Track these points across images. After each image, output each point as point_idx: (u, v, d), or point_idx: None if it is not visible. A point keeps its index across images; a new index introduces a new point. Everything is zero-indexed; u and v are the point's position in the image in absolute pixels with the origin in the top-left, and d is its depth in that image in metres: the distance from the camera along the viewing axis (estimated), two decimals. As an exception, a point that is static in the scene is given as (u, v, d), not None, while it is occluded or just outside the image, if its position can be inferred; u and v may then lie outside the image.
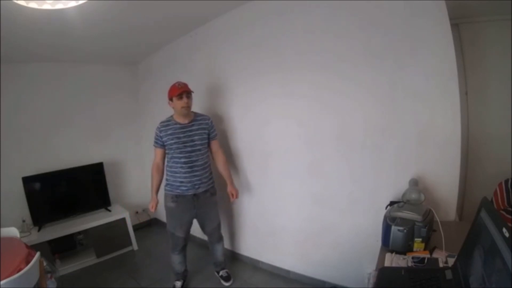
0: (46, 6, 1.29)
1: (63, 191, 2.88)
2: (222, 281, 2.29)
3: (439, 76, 1.47)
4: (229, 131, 2.47)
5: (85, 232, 2.81)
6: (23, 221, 2.60)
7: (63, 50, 2.53)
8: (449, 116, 1.46)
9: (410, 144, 1.60)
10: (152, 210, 2.13)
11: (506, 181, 1.58)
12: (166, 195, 2.13)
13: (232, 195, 2.22)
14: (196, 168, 2.05)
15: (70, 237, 2.75)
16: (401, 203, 1.34)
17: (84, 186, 3.01)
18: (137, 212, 3.49)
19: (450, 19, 1.39)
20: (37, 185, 2.71)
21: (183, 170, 2.03)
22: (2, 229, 1.90)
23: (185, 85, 2.04)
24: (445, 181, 1.52)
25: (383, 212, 1.37)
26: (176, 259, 2.24)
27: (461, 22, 1.87)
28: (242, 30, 2.19)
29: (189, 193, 2.06)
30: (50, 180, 2.78)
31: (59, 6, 1.32)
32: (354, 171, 1.83)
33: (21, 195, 2.60)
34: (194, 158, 2.04)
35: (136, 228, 3.28)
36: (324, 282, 2.10)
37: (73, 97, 3.04)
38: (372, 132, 1.72)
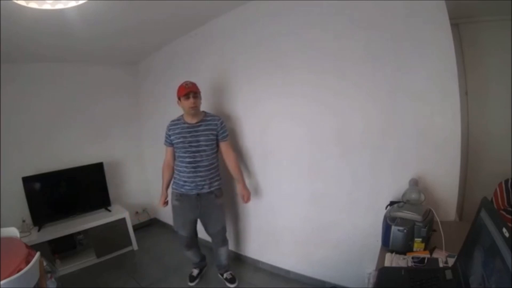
0: (46, 6, 1.29)
1: (63, 191, 2.88)
2: (227, 283, 2.27)
3: (439, 76, 1.46)
4: (229, 132, 2.46)
5: (85, 232, 2.81)
6: (23, 221, 2.60)
7: (63, 50, 2.53)
8: (449, 116, 1.46)
9: (410, 144, 1.59)
10: (162, 205, 2.21)
11: (506, 181, 1.58)
12: (172, 193, 2.15)
13: (244, 197, 2.18)
14: (200, 169, 2.02)
15: (70, 237, 2.75)
16: (401, 203, 1.35)
17: (84, 186, 3.01)
18: (137, 212, 3.49)
19: (450, 19, 1.39)
20: (37, 185, 2.71)
21: (187, 170, 2.03)
22: (2, 229, 1.90)
23: (193, 85, 2.01)
24: (445, 181, 1.52)
25: (383, 212, 1.37)
26: (188, 254, 2.32)
27: (461, 22, 1.87)
28: (242, 30, 2.19)
29: (193, 193, 2.05)
30: (50, 180, 2.78)
31: (59, 6, 1.32)
32: (354, 171, 1.83)
33: (21, 195, 2.60)
34: (198, 159, 2.02)
35: (136, 228, 3.28)
36: (324, 282, 2.10)
37: (73, 97, 3.04)
38: (372, 132, 1.72)
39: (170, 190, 2.20)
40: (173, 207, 2.15)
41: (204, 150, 2.02)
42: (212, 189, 2.08)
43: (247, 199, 2.19)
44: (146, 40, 2.67)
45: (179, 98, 2.02)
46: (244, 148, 2.40)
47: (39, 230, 2.64)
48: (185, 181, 2.05)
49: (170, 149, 2.13)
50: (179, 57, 2.82)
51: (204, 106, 2.59)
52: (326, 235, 2.02)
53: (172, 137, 2.06)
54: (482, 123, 1.92)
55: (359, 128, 1.76)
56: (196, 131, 2.02)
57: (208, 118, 2.08)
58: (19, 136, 2.72)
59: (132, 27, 2.23)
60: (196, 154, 2.01)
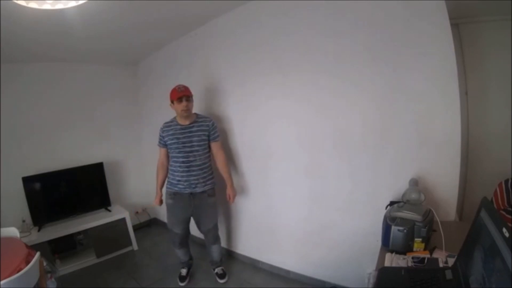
0: (46, 6, 1.29)
1: (63, 191, 2.88)
2: (217, 278, 2.34)
3: (439, 76, 1.46)
4: (229, 132, 2.47)
5: (85, 232, 2.81)
6: (23, 221, 2.60)
7: (63, 50, 2.53)
8: (449, 116, 1.46)
9: (410, 144, 1.59)
10: (156, 204, 2.29)
11: (506, 181, 1.58)
12: (166, 192, 2.23)
13: (229, 196, 2.25)
14: (193, 168, 2.10)
15: (70, 237, 2.75)
16: (401, 203, 1.35)
17: (84, 186, 3.01)
18: (137, 212, 3.49)
19: (450, 19, 1.39)
20: (37, 185, 2.71)
21: (180, 169, 2.10)
22: (2, 229, 1.90)
23: (186, 89, 2.09)
24: (445, 181, 1.52)
25: (383, 212, 1.37)
26: (178, 252, 2.38)
27: (461, 22, 1.87)
28: (242, 30, 2.19)
29: (186, 192, 2.12)
30: (50, 180, 2.78)
31: (59, 6, 1.32)
32: (354, 171, 1.83)
33: (21, 195, 2.60)
34: (192, 159, 2.09)
35: (136, 228, 3.28)
36: (324, 282, 2.10)
37: (73, 97, 3.04)
38: (372, 132, 1.72)
39: (164, 189, 2.27)
40: (167, 205, 2.23)
41: (197, 150, 2.10)
42: (205, 188, 2.15)
43: (232, 199, 2.27)
44: (146, 40, 2.67)
45: (172, 101, 2.10)
46: (244, 148, 2.40)
47: (39, 230, 2.64)
48: (178, 180, 2.12)
49: (163, 150, 2.22)
50: (179, 57, 2.82)
51: (204, 106, 2.59)
52: (326, 235, 2.02)
53: (165, 139, 2.14)
54: (482, 123, 1.92)
55: (359, 128, 1.76)
56: (189, 132, 2.09)
57: (200, 120, 2.15)
58: (19, 136, 2.72)
59: (132, 27, 2.23)
60: (190, 154, 2.09)
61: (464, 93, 1.89)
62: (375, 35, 1.61)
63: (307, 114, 1.97)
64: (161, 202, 2.30)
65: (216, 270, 2.38)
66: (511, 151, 1.74)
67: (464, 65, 1.87)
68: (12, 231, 1.92)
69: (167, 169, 2.23)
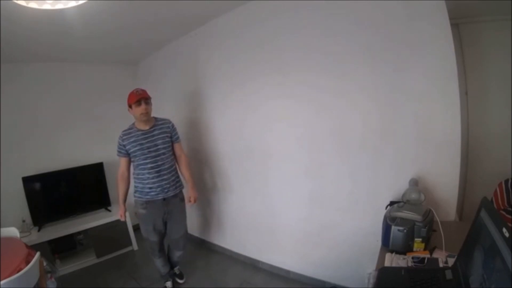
0: (46, 6, 1.29)
1: (63, 191, 2.88)
2: (177, 279, 2.35)
3: (439, 76, 1.46)
4: (229, 132, 2.47)
5: (85, 232, 2.81)
6: (23, 221, 2.60)
7: (63, 50, 2.53)
8: (449, 116, 1.46)
9: (410, 144, 1.59)
10: (122, 218, 2.21)
11: (506, 181, 1.58)
12: (136, 202, 2.13)
13: (191, 198, 2.20)
14: (163, 172, 2.06)
15: (70, 237, 2.75)
16: (401, 203, 1.35)
17: (84, 186, 3.01)
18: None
19: (450, 19, 1.39)
20: (37, 185, 2.71)
21: (150, 176, 2.03)
22: (2, 229, 1.90)
23: (144, 92, 2.03)
24: (445, 181, 1.52)
25: (383, 212, 1.37)
26: (158, 263, 2.28)
27: (461, 22, 1.87)
28: (242, 30, 2.19)
29: (159, 198, 2.06)
30: (50, 180, 2.78)
31: (59, 6, 1.32)
32: (354, 171, 1.83)
33: (21, 195, 2.60)
34: (160, 162, 2.05)
35: (136, 228, 3.26)
36: (324, 282, 2.10)
37: (73, 97, 3.04)
38: (372, 132, 1.72)
39: (132, 200, 2.17)
40: (140, 215, 2.13)
41: (164, 153, 2.07)
42: (176, 191, 2.14)
43: (193, 201, 2.21)
44: (146, 40, 2.67)
45: (130, 106, 2.01)
46: (244, 148, 2.40)
47: (39, 230, 2.64)
48: (150, 188, 2.04)
49: (124, 159, 2.12)
50: (179, 57, 2.82)
51: (204, 106, 2.59)
52: (326, 235, 2.02)
53: (127, 147, 2.05)
54: (482, 123, 1.92)
55: (359, 128, 1.76)
56: (152, 136, 2.05)
57: (160, 123, 2.12)
58: (19, 136, 2.72)
59: (132, 27, 2.23)
60: (157, 158, 2.04)
61: (464, 93, 1.89)
62: (375, 35, 1.61)
63: (307, 114, 1.97)
64: (124, 216, 2.21)
65: (175, 270, 2.38)
66: (511, 151, 1.74)
67: (464, 65, 1.87)
68: (12, 231, 1.92)
69: (129, 180, 2.15)
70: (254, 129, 2.29)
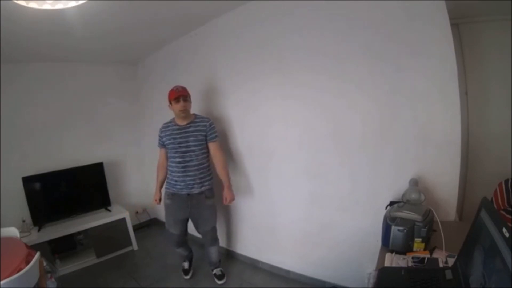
0: (46, 6, 1.29)
1: (63, 191, 2.88)
2: (216, 280, 2.34)
3: (439, 76, 1.46)
4: (229, 132, 2.47)
5: (85, 232, 2.81)
6: (23, 221, 2.60)
7: (64, 50, 2.53)
8: (449, 116, 1.46)
9: (410, 144, 1.59)
10: (155, 202, 2.29)
11: (506, 181, 1.58)
12: (165, 192, 2.25)
13: (226, 199, 2.20)
14: (190, 169, 2.09)
15: (70, 237, 2.75)
16: (401, 203, 1.35)
17: (84, 186, 3.01)
18: (137, 212, 3.49)
19: (450, 19, 1.39)
20: (37, 185, 2.71)
21: (177, 170, 2.11)
22: (2, 229, 1.90)
23: (183, 89, 2.11)
24: (445, 181, 1.52)
25: (383, 212, 1.37)
26: (178, 251, 2.41)
27: (461, 22, 1.86)
28: (242, 30, 2.19)
29: (183, 193, 2.13)
30: (50, 180, 2.78)
31: (59, 6, 1.32)
32: (354, 171, 1.83)
33: (21, 195, 2.60)
34: (188, 159, 2.09)
35: (136, 228, 3.28)
36: (324, 282, 2.10)
37: (73, 97, 3.04)
38: (372, 132, 1.72)
39: (164, 190, 2.28)
40: (165, 205, 2.24)
41: (193, 150, 2.09)
42: (202, 189, 2.14)
43: (228, 202, 2.21)
44: (146, 40, 2.67)
45: (170, 102, 2.12)
46: (245, 149, 2.40)
47: (39, 230, 2.64)
48: (176, 181, 2.13)
49: (163, 150, 2.24)
50: (179, 57, 2.82)
51: (203, 107, 2.59)
52: (326, 235, 2.02)
53: (164, 139, 2.16)
54: (482, 123, 1.92)
55: (359, 128, 1.76)
56: (186, 132, 2.10)
57: (198, 120, 2.16)
58: (19, 136, 2.72)
59: (132, 27, 2.23)
60: (186, 154, 2.09)
61: (464, 93, 1.89)
62: (375, 35, 1.61)
63: (307, 114, 1.97)
64: (159, 200, 2.30)
65: (214, 271, 2.37)
66: (511, 151, 1.74)
67: (464, 65, 1.87)
68: (12, 231, 1.91)
69: (167, 169, 2.23)
70: (254, 129, 2.29)
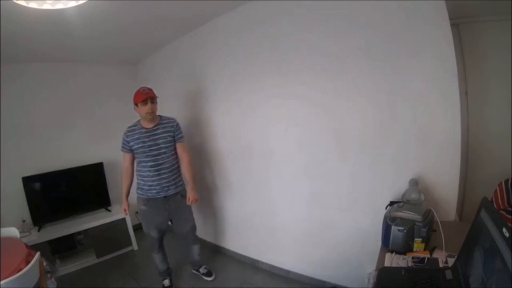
0: (46, 6, 1.29)
1: (63, 191, 2.88)
2: (204, 277, 2.34)
3: (439, 76, 1.46)
4: (229, 132, 2.47)
5: (85, 232, 2.81)
6: (23, 221, 2.60)
7: (64, 50, 2.53)
8: (449, 116, 1.46)
9: (410, 144, 1.59)
10: (124, 213, 2.22)
11: (506, 181, 1.58)
12: (138, 198, 2.17)
13: (189, 199, 2.14)
14: (163, 171, 2.07)
15: (70, 237, 2.75)
16: (401, 203, 1.35)
17: (84, 186, 3.01)
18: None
19: (450, 19, 1.39)
20: (37, 185, 2.71)
21: (151, 174, 2.06)
22: (2, 229, 1.90)
23: (150, 91, 2.05)
24: (445, 181, 1.52)
25: (383, 212, 1.37)
26: (157, 258, 2.31)
27: (461, 22, 1.86)
28: (242, 30, 2.19)
29: (160, 196, 2.09)
30: (50, 180, 2.78)
31: (59, 6, 1.32)
32: (354, 171, 1.83)
33: (21, 195, 2.60)
34: (160, 161, 2.06)
35: (136, 228, 3.27)
36: (324, 282, 2.10)
37: (73, 97, 3.04)
38: (372, 133, 1.72)
39: (134, 196, 2.18)
40: (141, 212, 2.18)
41: (165, 153, 2.08)
42: (177, 190, 2.14)
43: (191, 201, 2.15)
44: (146, 40, 2.67)
45: (136, 104, 2.03)
46: (245, 149, 2.40)
47: (39, 230, 2.64)
48: (150, 185, 2.07)
49: (128, 155, 2.14)
50: (179, 57, 2.82)
51: (203, 107, 2.59)
52: (326, 235, 2.02)
53: (131, 143, 2.07)
54: (482, 123, 1.91)
55: (359, 128, 1.76)
56: (155, 135, 2.06)
57: (164, 121, 2.13)
58: (19, 136, 2.72)
59: (132, 27, 2.23)
60: (158, 157, 2.06)
61: (464, 93, 1.89)
62: (375, 35, 1.61)
63: (307, 114, 1.97)
64: (127, 210, 2.20)
65: (200, 270, 2.38)
66: (511, 151, 1.74)
67: (464, 65, 1.87)
68: (12, 231, 1.92)
69: (132, 175, 2.17)
70: (254, 129, 2.29)
